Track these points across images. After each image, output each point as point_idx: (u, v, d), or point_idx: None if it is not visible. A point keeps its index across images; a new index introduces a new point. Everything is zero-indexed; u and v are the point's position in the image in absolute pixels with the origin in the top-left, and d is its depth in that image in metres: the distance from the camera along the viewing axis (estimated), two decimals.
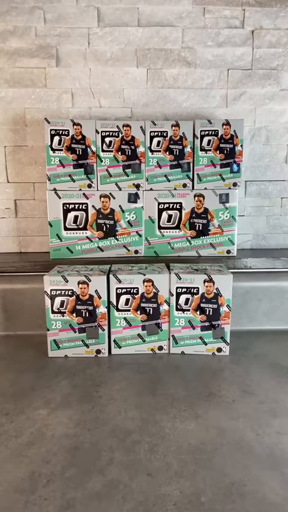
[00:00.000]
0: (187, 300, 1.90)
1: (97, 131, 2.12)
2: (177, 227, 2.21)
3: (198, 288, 1.88)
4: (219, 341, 1.92)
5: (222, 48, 2.27)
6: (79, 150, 2.12)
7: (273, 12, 2.23)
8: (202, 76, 2.29)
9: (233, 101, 2.33)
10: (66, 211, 2.14)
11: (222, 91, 2.31)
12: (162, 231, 2.21)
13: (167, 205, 2.19)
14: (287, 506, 1.05)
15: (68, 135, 2.11)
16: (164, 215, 2.20)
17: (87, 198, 2.14)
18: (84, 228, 2.17)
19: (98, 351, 1.91)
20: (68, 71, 2.26)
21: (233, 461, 1.22)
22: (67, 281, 1.85)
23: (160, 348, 1.95)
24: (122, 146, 2.13)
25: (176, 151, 2.15)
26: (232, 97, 2.32)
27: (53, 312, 1.87)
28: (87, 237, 2.18)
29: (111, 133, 2.12)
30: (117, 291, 1.89)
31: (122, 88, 2.29)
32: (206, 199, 2.17)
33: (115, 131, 2.12)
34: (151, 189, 2.18)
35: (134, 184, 2.16)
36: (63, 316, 1.88)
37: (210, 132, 2.14)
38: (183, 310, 1.91)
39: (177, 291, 1.89)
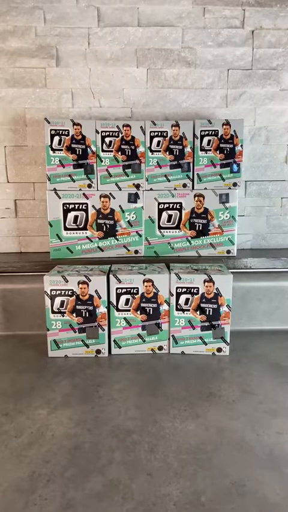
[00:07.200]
0: (187, 300, 1.90)
1: (97, 131, 2.12)
2: (177, 227, 2.21)
3: (198, 288, 1.88)
4: (219, 341, 1.92)
5: (222, 48, 2.27)
6: (79, 150, 2.12)
7: (273, 12, 2.23)
8: (202, 76, 2.29)
9: (233, 101, 2.33)
10: (66, 211, 2.14)
11: (222, 91, 2.31)
12: (162, 231, 2.21)
13: (167, 205, 2.18)
14: (287, 506, 1.05)
15: (68, 135, 2.11)
16: (164, 215, 2.20)
17: (87, 198, 2.14)
18: (84, 228, 2.17)
19: (98, 351, 1.91)
20: (68, 71, 2.26)
21: (233, 461, 1.22)
22: (67, 281, 1.85)
23: (160, 348, 1.95)
24: (122, 146, 2.13)
25: (176, 151, 2.15)
26: (232, 97, 2.32)
27: (53, 312, 1.87)
28: (87, 237, 2.18)
29: (111, 133, 2.12)
30: (117, 291, 1.89)
31: (122, 88, 2.29)
32: (206, 199, 2.17)
33: (115, 131, 2.12)
34: (151, 189, 2.18)
35: (134, 184, 2.16)
36: (63, 316, 1.88)
37: (210, 132, 2.14)
38: (183, 310, 1.91)
39: (177, 291, 1.89)
